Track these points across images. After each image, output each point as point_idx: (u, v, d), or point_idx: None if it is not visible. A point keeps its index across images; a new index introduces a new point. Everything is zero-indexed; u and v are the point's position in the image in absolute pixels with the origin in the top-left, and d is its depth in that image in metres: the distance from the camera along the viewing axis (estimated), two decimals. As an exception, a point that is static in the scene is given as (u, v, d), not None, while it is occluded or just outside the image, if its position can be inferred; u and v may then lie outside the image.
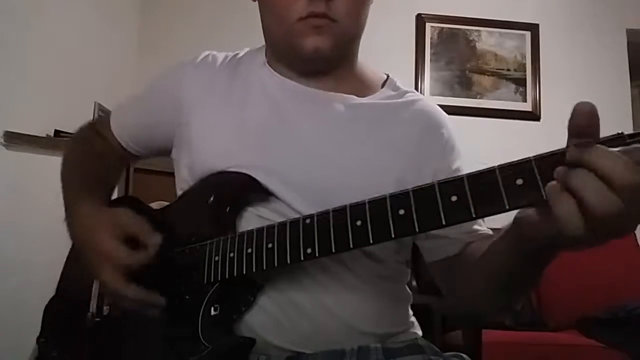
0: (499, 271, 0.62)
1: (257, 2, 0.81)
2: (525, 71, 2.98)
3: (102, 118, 0.98)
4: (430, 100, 0.88)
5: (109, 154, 0.93)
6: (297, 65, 0.80)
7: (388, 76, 0.87)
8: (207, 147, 0.77)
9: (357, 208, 0.57)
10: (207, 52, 0.88)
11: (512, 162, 0.48)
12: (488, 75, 2.97)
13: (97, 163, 0.90)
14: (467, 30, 3.00)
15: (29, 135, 1.73)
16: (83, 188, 0.84)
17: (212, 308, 0.68)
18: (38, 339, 0.85)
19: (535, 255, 0.54)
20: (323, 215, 0.60)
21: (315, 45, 0.73)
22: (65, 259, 0.90)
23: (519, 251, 0.55)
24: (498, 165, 0.48)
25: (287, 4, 0.73)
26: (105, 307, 0.77)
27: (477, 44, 3.00)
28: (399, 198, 0.54)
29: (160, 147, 0.90)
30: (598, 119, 0.44)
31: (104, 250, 0.71)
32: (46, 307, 0.87)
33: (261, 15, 0.80)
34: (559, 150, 0.46)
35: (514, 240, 0.55)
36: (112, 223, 0.73)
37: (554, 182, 0.44)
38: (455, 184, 0.50)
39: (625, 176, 0.41)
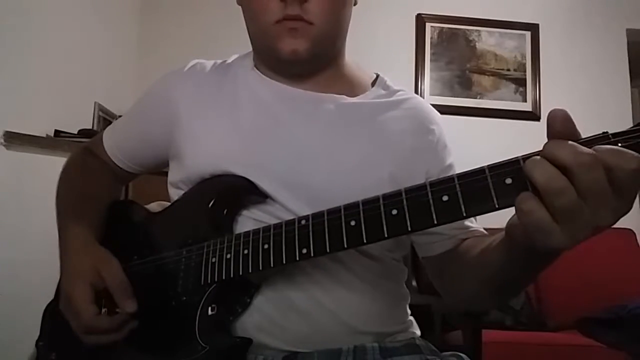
0: (494, 276, 0.64)
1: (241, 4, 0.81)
2: (525, 71, 2.98)
3: (94, 140, 0.97)
4: (426, 99, 0.88)
5: (104, 174, 0.92)
6: (279, 68, 0.80)
7: (378, 75, 0.88)
8: (201, 152, 0.77)
9: (351, 209, 0.58)
10: (195, 61, 0.88)
11: (502, 161, 0.49)
12: (488, 75, 2.97)
13: (92, 186, 0.89)
14: (467, 30, 3.00)
15: (29, 135, 1.73)
16: (73, 212, 0.83)
17: (210, 308, 0.69)
18: (37, 342, 0.85)
19: (528, 261, 0.56)
20: (318, 216, 0.61)
21: (291, 47, 0.74)
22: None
23: (512, 259, 0.57)
24: (488, 165, 0.49)
25: (262, 8, 0.74)
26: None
27: (477, 44, 3.00)
28: (392, 198, 0.55)
29: (157, 163, 0.90)
30: (573, 123, 0.46)
31: (76, 303, 0.71)
32: (45, 310, 0.87)
33: (244, 17, 0.81)
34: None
35: (507, 248, 0.57)
36: (95, 272, 0.72)
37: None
38: (446, 184, 0.51)
39: (570, 158, 0.43)
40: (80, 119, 2.16)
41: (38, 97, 1.85)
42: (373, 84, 0.86)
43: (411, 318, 0.84)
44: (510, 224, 0.51)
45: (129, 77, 2.70)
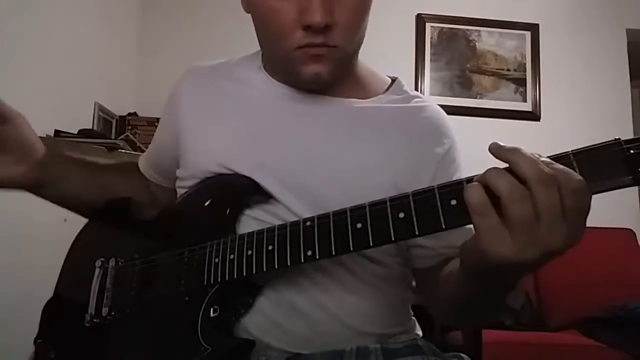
0: (453, 295, 0.66)
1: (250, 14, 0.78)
2: (525, 71, 2.98)
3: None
4: (435, 103, 0.85)
5: (134, 177, 0.95)
6: (296, 85, 0.78)
7: (394, 80, 0.85)
8: (203, 150, 0.77)
9: (357, 211, 0.57)
10: (198, 63, 0.88)
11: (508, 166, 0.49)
12: (488, 75, 2.97)
13: (122, 182, 0.93)
14: (467, 30, 3.00)
15: (29, 135, 1.73)
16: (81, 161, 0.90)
17: (212, 309, 0.68)
18: (35, 340, 0.85)
19: (481, 281, 0.57)
20: (323, 218, 0.60)
21: (315, 72, 0.71)
22: (64, 260, 0.90)
23: (467, 280, 0.59)
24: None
25: (283, 33, 0.70)
26: (104, 309, 0.77)
27: (477, 44, 3.00)
28: (399, 201, 0.55)
29: None
30: (502, 150, 0.48)
31: None
32: (44, 308, 0.87)
33: (256, 30, 0.78)
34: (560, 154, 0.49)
35: (462, 269, 0.59)
36: None
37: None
38: (454, 188, 0.51)
39: (531, 172, 0.45)
40: (80, 119, 2.16)
41: (38, 97, 1.85)
42: (388, 88, 0.83)
43: (413, 319, 0.83)
44: (463, 243, 0.52)
45: (129, 77, 2.70)
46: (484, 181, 0.47)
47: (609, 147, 0.46)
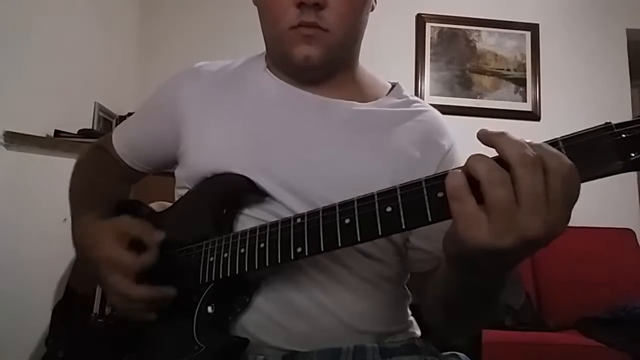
0: (442, 293, 0.66)
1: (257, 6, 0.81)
2: (525, 71, 2.98)
3: (105, 138, 0.99)
4: (425, 99, 0.87)
5: (113, 170, 0.94)
6: (292, 73, 0.80)
7: (394, 85, 0.87)
8: (203, 151, 0.78)
9: (346, 206, 0.58)
10: (201, 63, 0.89)
11: (495, 157, 0.48)
12: (488, 75, 2.97)
13: (101, 179, 0.91)
14: (467, 30, 3.00)
15: (29, 135, 1.73)
16: (84, 204, 0.86)
17: (208, 308, 0.69)
18: (47, 340, 0.86)
19: (468, 271, 0.56)
20: (314, 215, 0.60)
21: (305, 54, 0.73)
22: (65, 259, 0.90)
23: (453, 268, 0.58)
24: None
25: (279, 12, 0.73)
26: (107, 308, 0.78)
27: (477, 44, 3.00)
28: (387, 196, 0.55)
29: (165, 162, 0.90)
30: (492, 135, 0.47)
31: (109, 256, 0.71)
32: (54, 309, 0.88)
33: (260, 20, 0.80)
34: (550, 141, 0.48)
35: (447, 264, 0.59)
36: (114, 229, 0.73)
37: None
38: (440, 180, 0.50)
39: (515, 154, 0.44)
40: (80, 119, 2.16)
41: (38, 97, 1.85)
42: (388, 92, 0.85)
43: (411, 318, 0.84)
44: (444, 235, 0.52)
45: (129, 77, 2.70)
46: (465, 168, 0.47)
47: (599, 132, 0.45)
